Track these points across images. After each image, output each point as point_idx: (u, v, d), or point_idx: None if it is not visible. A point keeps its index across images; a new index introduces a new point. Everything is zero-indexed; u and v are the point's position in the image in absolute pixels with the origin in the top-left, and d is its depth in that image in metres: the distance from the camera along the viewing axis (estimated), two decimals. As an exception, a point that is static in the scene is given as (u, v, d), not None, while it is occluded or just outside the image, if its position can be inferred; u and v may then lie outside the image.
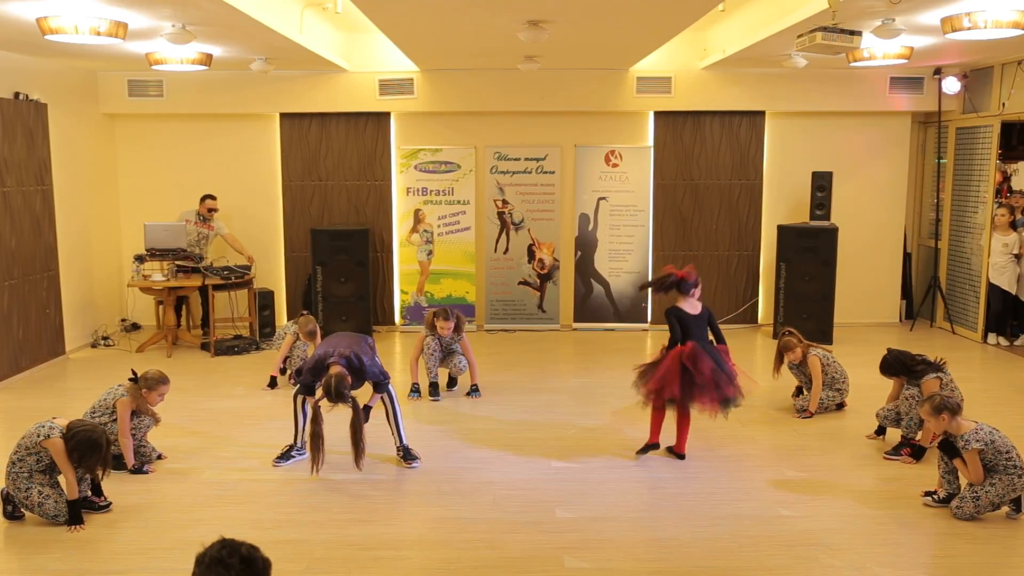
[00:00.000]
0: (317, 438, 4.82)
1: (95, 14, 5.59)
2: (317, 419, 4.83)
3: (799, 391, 6.48)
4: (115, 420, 5.04)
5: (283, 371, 7.17)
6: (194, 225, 8.70)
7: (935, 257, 9.50)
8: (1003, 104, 8.39)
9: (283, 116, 9.35)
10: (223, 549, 2.38)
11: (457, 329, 6.74)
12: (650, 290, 5.12)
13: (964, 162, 9.06)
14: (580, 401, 6.73)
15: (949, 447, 4.52)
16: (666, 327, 5.38)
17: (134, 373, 5.17)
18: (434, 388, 6.77)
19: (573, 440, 5.77)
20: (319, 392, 4.96)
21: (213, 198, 8.83)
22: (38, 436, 4.38)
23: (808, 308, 8.71)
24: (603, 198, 9.43)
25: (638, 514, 4.59)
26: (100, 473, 4.52)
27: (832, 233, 8.68)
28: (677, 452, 5.44)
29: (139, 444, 5.21)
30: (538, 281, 9.51)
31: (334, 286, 8.78)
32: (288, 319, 9.20)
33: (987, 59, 8.42)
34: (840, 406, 6.42)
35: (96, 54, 7.55)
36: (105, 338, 8.78)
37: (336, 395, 4.77)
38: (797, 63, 7.86)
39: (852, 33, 5.57)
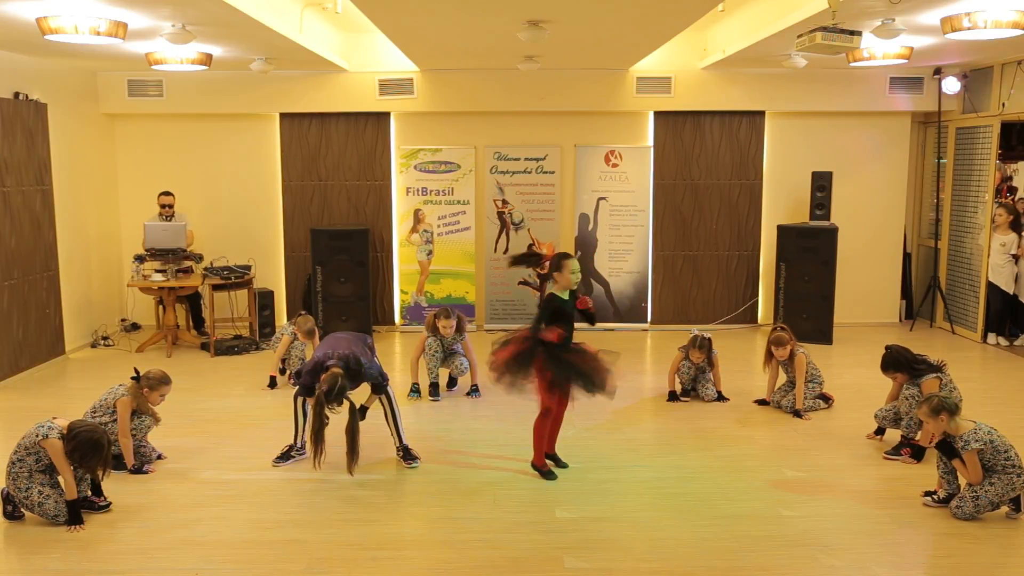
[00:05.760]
0: (320, 430, 4.79)
1: (95, 14, 5.59)
2: (321, 415, 4.80)
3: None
4: (115, 420, 5.04)
5: (282, 371, 7.18)
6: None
7: (935, 257, 9.50)
8: (1003, 104, 8.39)
9: (283, 116, 9.35)
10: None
11: (459, 329, 6.74)
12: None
13: (964, 162, 9.07)
14: (580, 401, 6.70)
15: (947, 448, 4.52)
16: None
17: (137, 372, 5.18)
18: (434, 388, 6.77)
19: (573, 440, 5.76)
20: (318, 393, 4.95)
21: (166, 194, 8.82)
22: (37, 436, 4.38)
23: (808, 308, 8.71)
24: (603, 198, 9.43)
25: (638, 514, 4.59)
26: (100, 473, 4.52)
27: (832, 233, 8.68)
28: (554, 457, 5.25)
29: (139, 444, 5.21)
30: (538, 281, 9.44)
31: (334, 286, 8.77)
32: (288, 319, 9.20)
33: (987, 59, 8.42)
34: (825, 399, 6.48)
35: (96, 54, 7.55)
36: (105, 338, 8.78)
37: (333, 397, 4.76)
38: (797, 63, 7.86)
39: (852, 33, 5.57)
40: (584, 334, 5.36)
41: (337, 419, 4.87)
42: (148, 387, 5.11)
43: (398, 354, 8.48)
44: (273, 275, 9.53)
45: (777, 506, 4.67)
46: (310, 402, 5.11)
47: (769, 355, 6.40)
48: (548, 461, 5.17)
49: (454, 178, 9.37)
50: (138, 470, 5.13)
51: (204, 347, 8.48)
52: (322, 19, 7.72)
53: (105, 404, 5.11)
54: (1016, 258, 8.34)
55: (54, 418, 4.49)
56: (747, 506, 4.68)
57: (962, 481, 4.58)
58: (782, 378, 6.51)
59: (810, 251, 8.74)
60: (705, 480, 5.06)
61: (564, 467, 5.21)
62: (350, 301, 8.78)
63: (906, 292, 9.88)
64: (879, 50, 7.07)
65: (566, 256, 5.00)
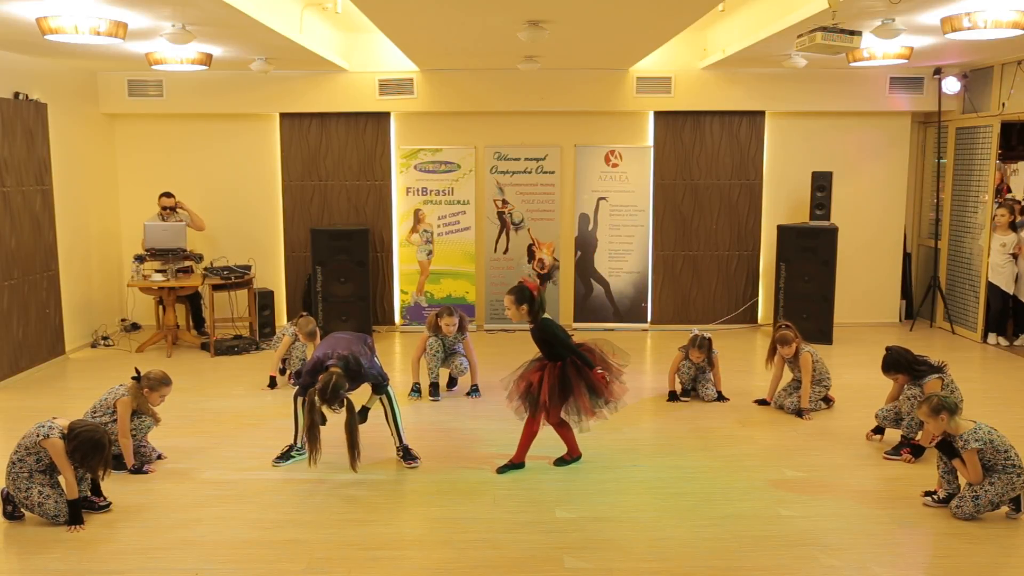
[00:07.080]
0: (312, 428, 4.80)
1: (95, 14, 5.59)
2: (311, 413, 4.80)
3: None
4: (116, 420, 5.04)
5: (282, 371, 7.18)
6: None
7: (935, 257, 9.50)
8: (1003, 104, 8.39)
9: (283, 116, 9.35)
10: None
11: (461, 328, 6.74)
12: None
13: (964, 162, 9.07)
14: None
15: (948, 447, 4.52)
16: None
17: (137, 372, 5.18)
18: (434, 388, 6.77)
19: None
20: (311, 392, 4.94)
21: (167, 195, 8.81)
22: (37, 436, 4.38)
23: (808, 308, 8.71)
24: (603, 198, 9.43)
25: (638, 514, 4.59)
26: (101, 473, 4.52)
27: (832, 233, 8.68)
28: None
29: (139, 444, 5.21)
30: (538, 281, 9.49)
31: (334, 286, 8.77)
32: (288, 319, 9.21)
33: (987, 59, 8.42)
34: (826, 400, 6.45)
35: (96, 54, 7.55)
36: (105, 338, 8.78)
37: (331, 397, 4.76)
38: (797, 63, 7.86)
39: (852, 33, 5.57)
40: (583, 334, 5.34)
41: (337, 418, 4.87)
42: (148, 387, 5.11)
43: (398, 354, 8.48)
44: (273, 275, 9.53)
45: (777, 506, 4.68)
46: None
47: (772, 352, 6.39)
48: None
49: (454, 178, 9.37)
50: (138, 470, 5.13)
51: (204, 347, 8.48)
52: (322, 19, 7.72)
53: (105, 404, 5.10)
54: (1015, 257, 8.34)
55: (54, 418, 4.49)
56: (747, 506, 4.68)
57: (962, 481, 4.58)
58: (787, 377, 6.50)
59: (810, 251, 8.74)
60: (705, 480, 5.07)
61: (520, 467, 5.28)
62: (350, 301, 8.78)
63: (906, 292, 9.88)
64: (879, 50, 7.07)
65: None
